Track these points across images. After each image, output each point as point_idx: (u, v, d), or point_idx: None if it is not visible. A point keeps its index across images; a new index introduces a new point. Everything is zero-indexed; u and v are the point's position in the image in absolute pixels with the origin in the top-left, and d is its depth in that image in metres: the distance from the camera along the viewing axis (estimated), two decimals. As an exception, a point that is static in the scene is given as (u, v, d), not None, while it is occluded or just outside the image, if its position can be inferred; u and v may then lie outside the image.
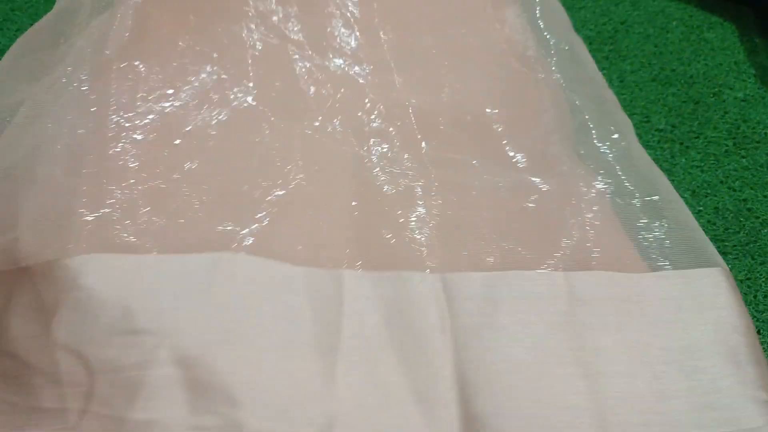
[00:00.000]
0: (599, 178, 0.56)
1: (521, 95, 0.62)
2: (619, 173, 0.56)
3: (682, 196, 0.60)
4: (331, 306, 0.44)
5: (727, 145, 0.65)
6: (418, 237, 0.49)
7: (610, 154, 0.58)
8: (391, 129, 0.57)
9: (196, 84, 0.57)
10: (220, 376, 0.39)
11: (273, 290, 0.44)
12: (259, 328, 0.42)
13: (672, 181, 0.61)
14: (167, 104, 0.55)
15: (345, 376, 0.41)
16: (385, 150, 0.55)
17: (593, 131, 0.59)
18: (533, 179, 0.55)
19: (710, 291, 0.48)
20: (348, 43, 0.63)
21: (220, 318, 0.42)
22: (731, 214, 0.59)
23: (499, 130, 0.59)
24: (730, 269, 0.50)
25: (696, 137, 0.66)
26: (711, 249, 0.51)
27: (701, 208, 0.60)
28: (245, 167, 0.52)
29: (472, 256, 0.49)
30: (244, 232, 0.47)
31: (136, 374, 0.39)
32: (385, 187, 0.52)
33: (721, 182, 0.62)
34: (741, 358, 0.44)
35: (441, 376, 0.42)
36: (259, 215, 0.48)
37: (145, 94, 0.55)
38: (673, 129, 0.66)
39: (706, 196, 0.61)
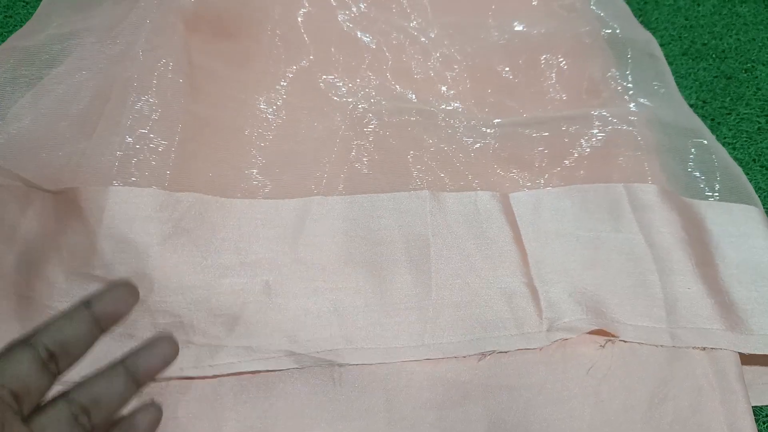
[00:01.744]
0: (647, 113, 0.59)
1: (568, 34, 0.66)
2: (662, 110, 0.59)
3: (713, 174, 0.58)
4: (417, 221, 0.48)
5: (759, 122, 0.63)
6: (483, 162, 0.54)
7: (652, 96, 0.61)
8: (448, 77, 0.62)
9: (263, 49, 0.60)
10: (317, 313, 0.43)
11: (360, 221, 0.48)
12: (352, 255, 0.46)
13: (703, 157, 0.60)
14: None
15: (440, 282, 0.45)
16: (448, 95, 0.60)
17: (632, 71, 0.63)
18: (587, 111, 0.59)
19: (752, 225, 0.51)
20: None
21: (316, 256, 0.46)
22: (764, 193, 0.57)
23: (550, 66, 0.64)
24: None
25: (728, 113, 0.63)
26: (752, 191, 0.54)
27: (732, 187, 0.58)
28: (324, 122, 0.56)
29: (537, 176, 0.54)
30: (330, 176, 0.51)
31: (233, 304, 0.42)
32: (449, 129, 0.57)
33: (754, 160, 0.60)
34: None
35: (526, 276, 0.47)
36: (350, 154, 0.53)
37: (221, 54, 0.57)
38: (704, 105, 0.64)
39: (738, 174, 0.59)
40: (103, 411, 0.28)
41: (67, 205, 0.43)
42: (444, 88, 0.61)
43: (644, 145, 0.55)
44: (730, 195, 0.53)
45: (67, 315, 0.28)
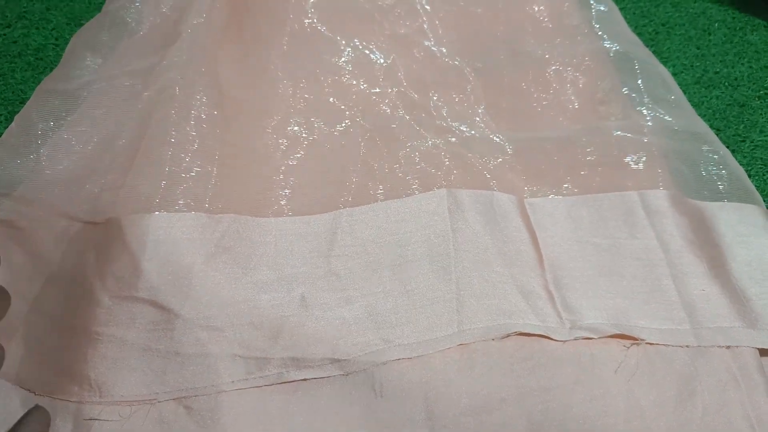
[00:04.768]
0: (659, 119, 0.61)
1: (571, 48, 0.69)
2: (671, 117, 0.62)
3: (729, 201, 0.59)
4: (437, 219, 0.51)
5: (774, 150, 0.63)
6: (499, 168, 0.56)
7: (661, 103, 0.63)
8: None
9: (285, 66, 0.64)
10: (353, 318, 0.46)
11: (386, 227, 0.50)
12: (380, 261, 0.49)
13: (718, 185, 0.60)
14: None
15: (461, 275, 0.48)
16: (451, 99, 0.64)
17: (641, 81, 0.65)
18: (600, 122, 0.61)
19: (760, 223, 0.53)
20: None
21: (346, 265, 0.48)
22: (781, 220, 0.57)
23: (561, 79, 0.66)
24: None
25: (742, 141, 0.64)
26: (755, 190, 0.56)
27: (749, 214, 0.58)
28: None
29: (553, 185, 0.56)
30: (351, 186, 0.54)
31: (274, 318, 0.44)
32: (462, 127, 0.60)
33: (770, 187, 0.60)
34: None
35: (539, 275, 0.49)
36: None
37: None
38: (718, 133, 0.65)
39: (754, 202, 0.59)
40: None
41: (108, 234, 0.45)
42: (457, 98, 0.64)
43: (656, 152, 0.57)
44: (738, 196, 0.54)
45: None
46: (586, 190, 0.55)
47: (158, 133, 0.51)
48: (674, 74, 0.70)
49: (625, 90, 0.64)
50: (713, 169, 0.57)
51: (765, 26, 0.76)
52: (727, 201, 0.54)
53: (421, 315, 0.46)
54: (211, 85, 0.56)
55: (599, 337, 0.45)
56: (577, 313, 0.47)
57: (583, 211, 0.53)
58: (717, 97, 0.68)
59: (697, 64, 0.72)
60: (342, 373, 0.43)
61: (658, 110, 0.62)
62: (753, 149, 0.63)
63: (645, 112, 0.62)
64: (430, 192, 0.53)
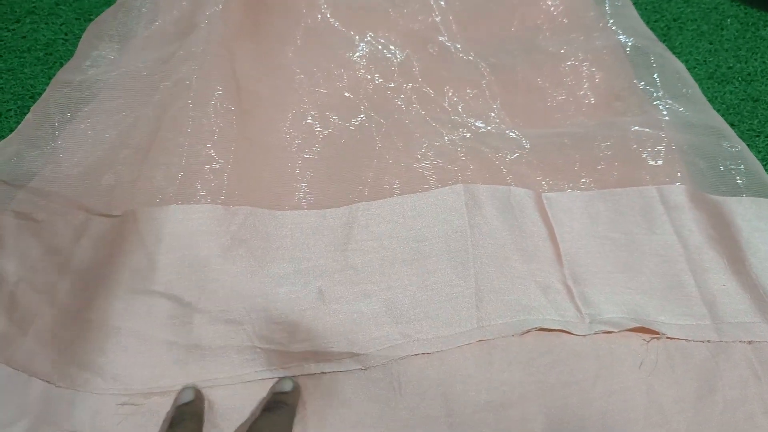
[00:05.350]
0: (673, 114, 0.61)
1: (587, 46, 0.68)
2: (688, 112, 0.61)
3: (744, 197, 0.58)
4: (455, 215, 0.50)
5: (789, 144, 0.63)
6: (518, 167, 0.56)
7: (677, 98, 0.63)
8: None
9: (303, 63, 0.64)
10: (371, 313, 0.45)
11: (402, 222, 0.50)
12: (397, 255, 0.48)
13: (733, 180, 0.60)
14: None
15: (480, 270, 0.47)
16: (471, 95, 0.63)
17: (657, 76, 0.65)
18: (617, 117, 0.61)
19: None
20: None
21: (363, 259, 0.48)
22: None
23: (577, 74, 0.66)
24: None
25: (756, 136, 0.64)
26: None
27: (764, 209, 0.58)
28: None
29: (570, 179, 0.55)
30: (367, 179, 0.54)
31: (291, 311, 0.44)
32: (478, 123, 0.60)
33: (785, 182, 0.60)
34: None
35: (558, 271, 0.49)
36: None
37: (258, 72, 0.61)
38: (733, 127, 0.64)
39: (770, 196, 0.59)
40: None
41: (123, 227, 0.45)
42: (472, 93, 0.63)
43: (674, 146, 0.57)
44: (755, 190, 0.54)
45: None
46: (604, 185, 0.54)
47: (174, 124, 0.51)
48: (687, 69, 0.69)
49: (641, 85, 0.64)
50: (731, 164, 0.56)
51: (777, 21, 0.76)
52: (745, 196, 0.54)
53: (440, 310, 0.46)
54: (227, 77, 0.56)
55: (619, 331, 0.45)
56: (597, 307, 0.46)
57: (601, 206, 0.53)
58: (731, 92, 0.68)
59: (710, 59, 0.71)
60: (361, 367, 0.43)
61: (675, 105, 0.62)
62: (768, 144, 0.63)
63: (661, 106, 0.61)
64: (447, 187, 0.52)
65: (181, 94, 0.53)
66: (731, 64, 0.71)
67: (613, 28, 0.69)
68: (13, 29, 0.70)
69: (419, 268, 0.48)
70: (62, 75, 0.59)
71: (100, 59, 0.61)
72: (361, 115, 0.59)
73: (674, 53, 0.71)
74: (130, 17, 0.65)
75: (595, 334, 0.45)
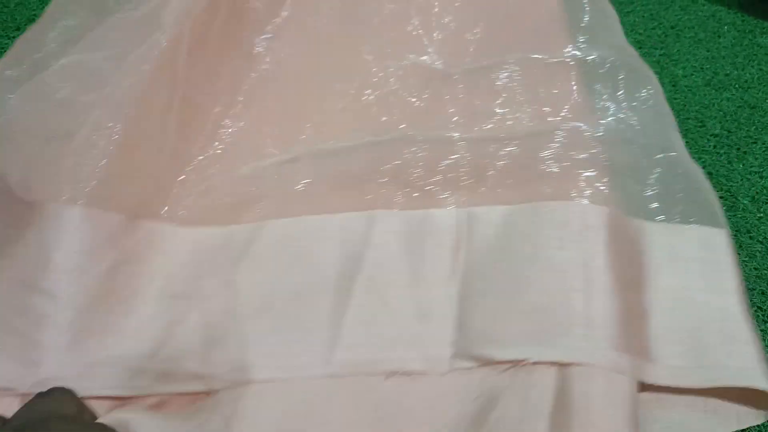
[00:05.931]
0: (619, 128, 0.58)
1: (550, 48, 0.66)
2: (638, 126, 0.58)
3: (741, 203, 0.59)
4: (358, 241, 0.49)
5: (786, 151, 0.63)
6: (450, 182, 0.54)
7: (637, 109, 0.60)
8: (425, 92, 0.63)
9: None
10: (238, 333, 0.44)
11: (304, 244, 0.49)
12: (280, 280, 0.47)
13: (730, 186, 0.60)
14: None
15: (359, 301, 0.46)
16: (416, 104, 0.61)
17: (622, 84, 0.62)
18: (556, 126, 0.58)
19: (709, 246, 0.49)
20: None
21: (250, 280, 0.47)
22: (794, 222, 0.57)
23: (522, 80, 0.63)
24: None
25: (753, 142, 0.64)
26: (717, 209, 0.52)
27: (761, 215, 0.58)
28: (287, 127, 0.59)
29: (497, 194, 0.53)
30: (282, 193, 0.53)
31: (157, 330, 0.44)
32: (420, 137, 0.57)
33: (782, 188, 0.60)
34: (729, 312, 0.46)
35: (446, 294, 0.47)
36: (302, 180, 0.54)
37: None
38: (730, 134, 0.64)
39: (766, 203, 0.59)
40: None
41: (27, 216, 0.46)
42: (428, 105, 0.62)
43: (608, 164, 0.54)
44: (689, 217, 0.51)
45: None
46: (529, 196, 0.52)
47: (94, 124, 0.50)
48: (684, 76, 0.70)
49: (589, 94, 0.61)
50: (667, 188, 0.53)
51: (774, 29, 0.76)
52: (676, 222, 0.51)
53: (303, 337, 0.45)
54: (169, 85, 0.56)
55: (477, 366, 0.43)
56: (470, 336, 0.45)
57: (521, 219, 0.51)
58: (728, 99, 0.68)
59: (707, 66, 0.72)
60: (205, 389, 0.42)
61: (631, 115, 0.59)
62: (765, 150, 0.63)
63: (611, 119, 0.59)
64: (355, 212, 0.51)
65: (121, 88, 0.52)
66: (728, 72, 0.71)
67: (582, 37, 0.67)
68: (14, 37, 0.70)
69: (300, 294, 0.46)
70: (19, 47, 0.60)
71: (68, 32, 0.61)
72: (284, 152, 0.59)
73: (672, 60, 0.72)
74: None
75: (451, 371, 0.43)
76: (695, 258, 0.48)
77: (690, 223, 0.50)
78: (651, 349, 0.44)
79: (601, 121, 0.58)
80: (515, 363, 0.43)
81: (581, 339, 0.43)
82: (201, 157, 0.56)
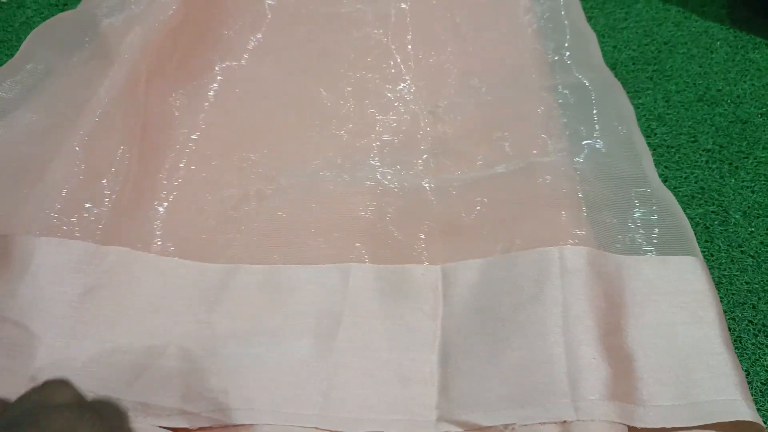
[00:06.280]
0: (594, 162, 0.58)
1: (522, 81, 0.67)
2: (611, 159, 0.59)
3: (733, 217, 0.59)
4: (334, 299, 0.48)
5: (777, 166, 0.64)
6: (424, 231, 0.54)
7: (609, 139, 0.60)
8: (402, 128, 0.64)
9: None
10: (218, 373, 0.44)
11: (279, 293, 0.49)
12: (263, 322, 0.47)
13: (722, 201, 0.60)
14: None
15: (340, 359, 0.45)
16: (388, 151, 0.62)
17: (596, 114, 0.63)
18: (530, 166, 0.58)
19: (686, 277, 0.49)
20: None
21: (227, 323, 0.47)
22: (785, 236, 0.58)
23: (499, 117, 0.64)
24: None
25: (745, 157, 0.64)
26: (691, 238, 0.52)
27: (753, 229, 0.58)
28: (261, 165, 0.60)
29: (471, 247, 0.52)
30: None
31: (135, 362, 0.44)
32: (393, 185, 0.58)
33: (774, 203, 0.61)
34: (710, 343, 0.45)
35: (426, 360, 0.46)
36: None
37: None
38: (722, 149, 0.65)
39: (758, 217, 0.59)
40: None
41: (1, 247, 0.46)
42: (404, 143, 0.63)
43: (586, 201, 0.54)
44: (668, 247, 0.51)
45: None
46: (508, 248, 0.51)
47: (66, 157, 0.52)
48: (677, 92, 0.71)
49: (563, 129, 0.62)
50: (645, 220, 0.54)
51: (766, 44, 0.77)
52: (656, 254, 0.51)
53: (285, 385, 0.44)
54: (133, 114, 0.57)
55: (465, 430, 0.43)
56: (454, 401, 0.44)
57: (498, 273, 0.49)
58: (720, 114, 0.69)
59: (700, 81, 0.72)
60: (189, 426, 0.42)
61: (603, 148, 0.59)
62: (756, 165, 0.64)
63: (586, 152, 0.59)
64: (332, 265, 0.51)
65: (83, 122, 0.54)
66: (720, 87, 0.72)
67: (566, 63, 0.69)
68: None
69: (279, 344, 0.46)
70: None
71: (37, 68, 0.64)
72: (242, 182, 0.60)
73: (665, 76, 0.72)
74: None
75: None
76: (674, 291, 0.48)
77: (667, 254, 0.51)
78: (638, 391, 0.43)
79: (577, 159, 0.59)
80: (504, 427, 0.42)
81: (566, 396, 0.42)
82: (164, 192, 0.57)
